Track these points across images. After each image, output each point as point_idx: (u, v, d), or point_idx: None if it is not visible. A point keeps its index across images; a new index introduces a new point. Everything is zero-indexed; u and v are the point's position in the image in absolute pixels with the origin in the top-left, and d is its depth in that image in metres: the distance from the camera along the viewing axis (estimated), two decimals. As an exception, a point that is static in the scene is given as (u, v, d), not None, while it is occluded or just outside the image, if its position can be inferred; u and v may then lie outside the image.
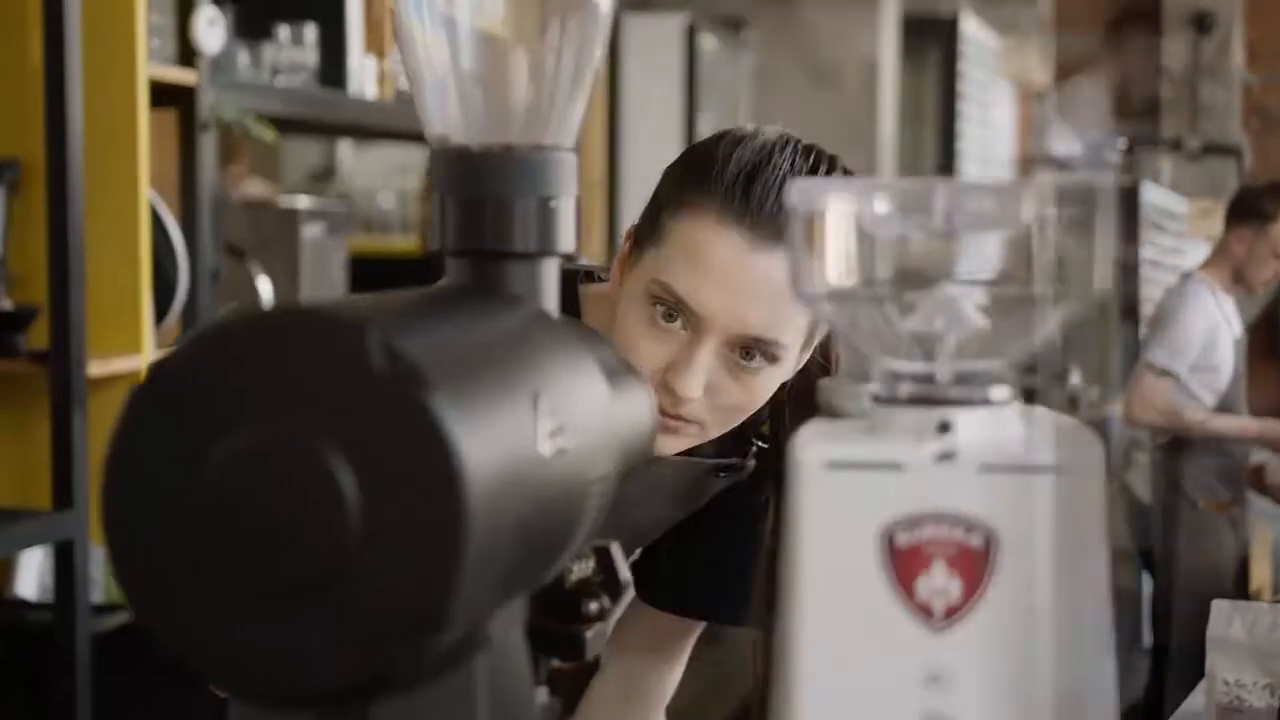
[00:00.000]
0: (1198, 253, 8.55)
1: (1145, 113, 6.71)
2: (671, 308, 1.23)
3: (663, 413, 1.24)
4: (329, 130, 3.42)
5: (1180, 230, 7.87)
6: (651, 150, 4.00)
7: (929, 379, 0.71)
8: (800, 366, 1.32)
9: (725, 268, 1.21)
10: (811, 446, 0.69)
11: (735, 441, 1.36)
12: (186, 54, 2.60)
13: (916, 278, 0.72)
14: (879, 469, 0.68)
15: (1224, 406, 4.25)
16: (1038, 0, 9.67)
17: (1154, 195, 7.19)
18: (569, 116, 0.83)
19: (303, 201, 3.04)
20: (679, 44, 5.37)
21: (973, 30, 7.45)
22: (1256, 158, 9.91)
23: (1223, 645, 1.90)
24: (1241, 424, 4.31)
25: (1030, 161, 7.82)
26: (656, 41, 5.21)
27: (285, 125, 3.07)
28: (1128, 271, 7.02)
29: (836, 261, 0.71)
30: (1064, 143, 5.37)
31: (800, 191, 0.70)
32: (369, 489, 0.60)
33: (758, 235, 1.21)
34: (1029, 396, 0.72)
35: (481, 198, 0.80)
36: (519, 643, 0.74)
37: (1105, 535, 0.68)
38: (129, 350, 2.45)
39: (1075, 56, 10.05)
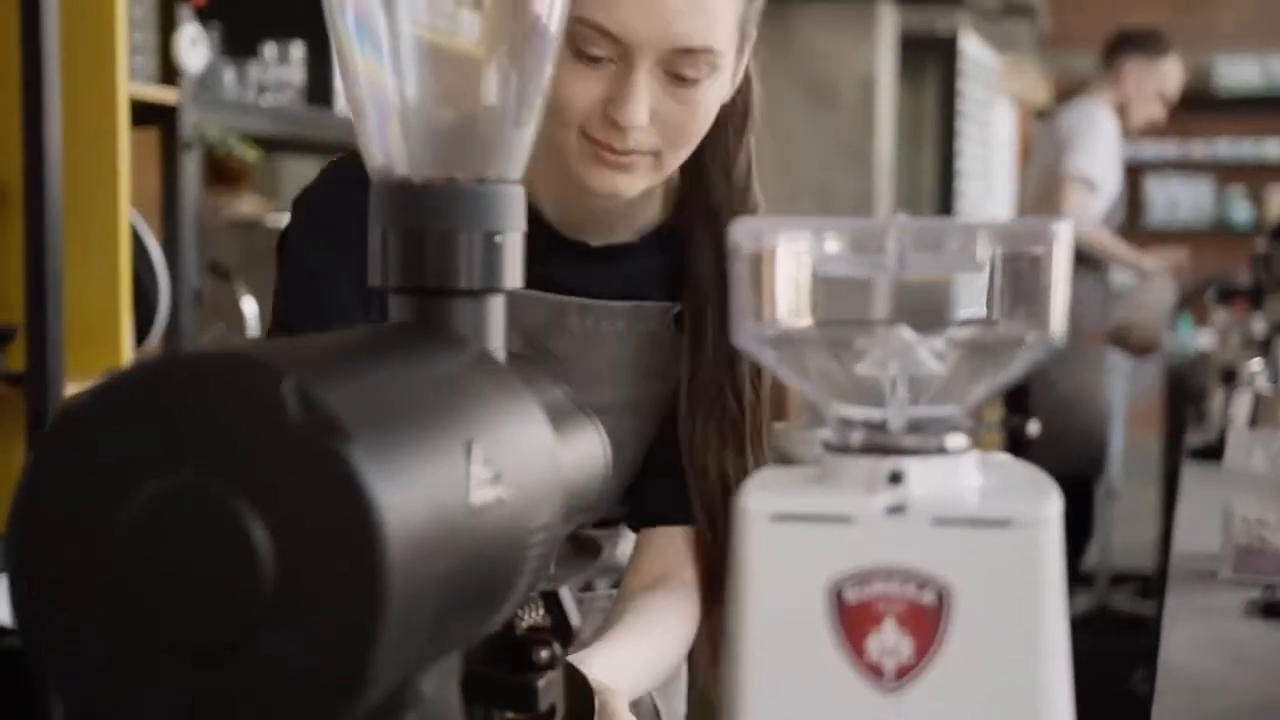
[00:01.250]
0: (1003, 109, 8.57)
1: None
2: (595, 43, 1.19)
3: (613, 150, 1.21)
4: (316, 149, 3.39)
5: (991, 84, 7.91)
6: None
7: (881, 426, 0.68)
8: (740, 76, 1.29)
9: None
10: (758, 496, 0.66)
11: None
12: (169, 72, 2.57)
13: (868, 320, 0.69)
14: (827, 521, 0.65)
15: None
16: (1037, 17, 9.66)
17: (970, 46, 7.21)
18: (515, 147, 0.80)
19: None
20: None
21: (972, 48, 7.43)
22: (1053, 20, 9.89)
23: (1241, 480, 1.77)
24: (1141, 255, 4.57)
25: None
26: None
27: (273, 144, 3.05)
28: (947, 122, 7.13)
29: (784, 303, 0.69)
30: None
31: (745, 231, 0.68)
32: (283, 544, 0.57)
33: None
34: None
35: (424, 232, 0.77)
36: (453, 699, 0.71)
37: (1063, 590, 0.65)
38: (108, 371, 2.42)
39: (1074, 74, 10.05)
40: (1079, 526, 4.46)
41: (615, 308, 1.32)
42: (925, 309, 0.69)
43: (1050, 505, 0.65)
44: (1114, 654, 4.19)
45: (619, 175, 1.23)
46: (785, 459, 0.73)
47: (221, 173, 3.29)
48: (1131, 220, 10.09)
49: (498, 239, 0.78)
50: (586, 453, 0.82)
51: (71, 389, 2.34)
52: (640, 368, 1.32)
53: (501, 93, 0.80)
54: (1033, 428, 4.00)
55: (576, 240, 1.34)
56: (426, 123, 0.78)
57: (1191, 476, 2.74)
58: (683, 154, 1.25)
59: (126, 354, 2.45)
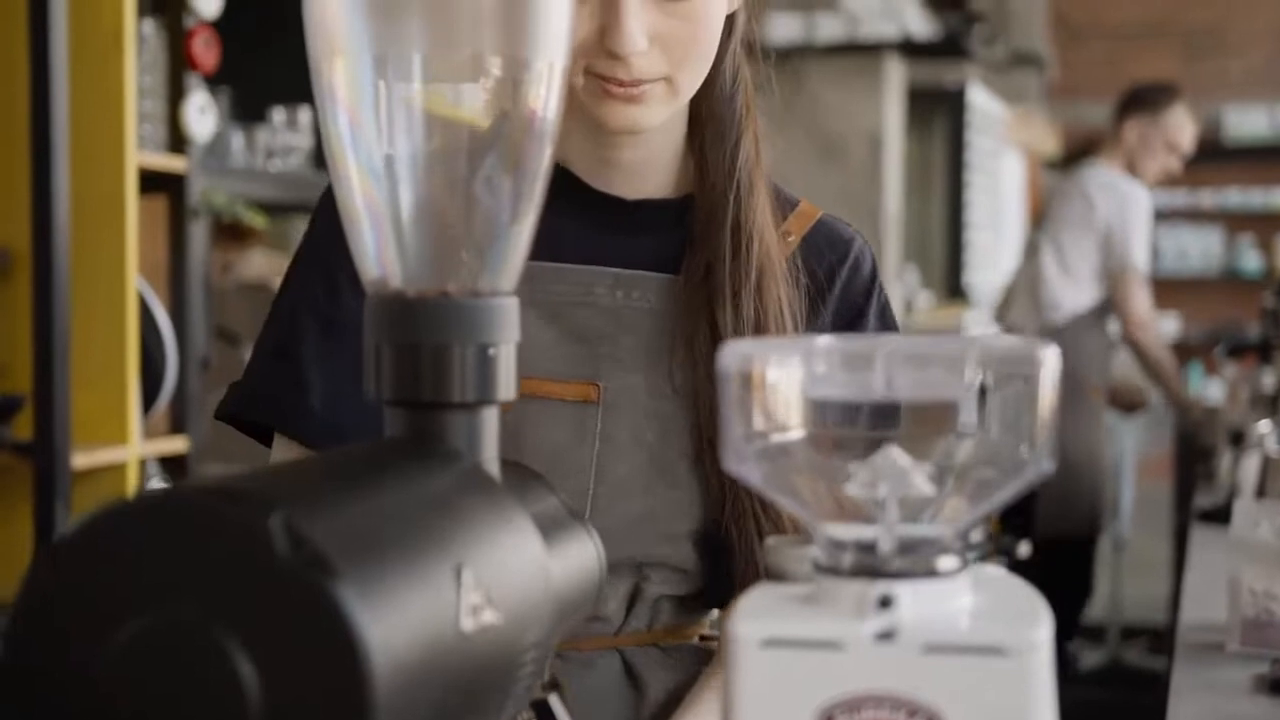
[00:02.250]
0: (1011, 159, 8.61)
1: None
2: None
3: (621, 83, 1.14)
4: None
5: (999, 134, 7.93)
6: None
7: (871, 547, 0.68)
8: None
9: None
10: (749, 621, 0.66)
11: None
12: (178, 140, 2.59)
13: (858, 440, 0.69)
14: (817, 647, 0.65)
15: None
16: (1045, 68, 9.70)
17: (979, 98, 7.22)
18: (509, 260, 0.81)
19: (297, 283, 3.02)
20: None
21: (980, 100, 7.46)
22: (1060, 70, 9.91)
23: (1249, 549, 1.74)
24: (1178, 383, 4.59)
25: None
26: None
27: (281, 208, 3.06)
28: (955, 173, 7.16)
29: (772, 424, 0.69)
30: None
31: (734, 354, 0.68)
32: (270, 680, 0.57)
33: None
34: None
35: (418, 345, 0.78)
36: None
37: (1054, 715, 0.65)
38: (115, 441, 2.43)
39: (1083, 123, 10.08)
40: (1080, 584, 4.45)
41: (647, 279, 1.23)
42: (916, 429, 0.69)
43: (1041, 630, 0.65)
44: (1126, 710, 4.17)
45: (633, 108, 1.15)
46: (776, 574, 0.73)
47: (231, 229, 3.30)
48: (1141, 269, 10.11)
49: (491, 352, 0.78)
50: (579, 561, 0.82)
51: (79, 458, 2.34)
52: (676, 348, 1.23)
53: (496, 200, 0.81)
54: (1023, 549, 4.00)
55: (609, 194, 1.26)
56: (420, 236, 0.79)
57: (1200, 540, 2.73)
58: (695, 73, 1.17)
59: (134, 423, 2.45)
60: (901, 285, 6.07)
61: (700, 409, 1.20)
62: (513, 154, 0.80)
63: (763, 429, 0.69)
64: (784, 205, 1.28)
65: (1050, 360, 0.66)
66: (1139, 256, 4.29)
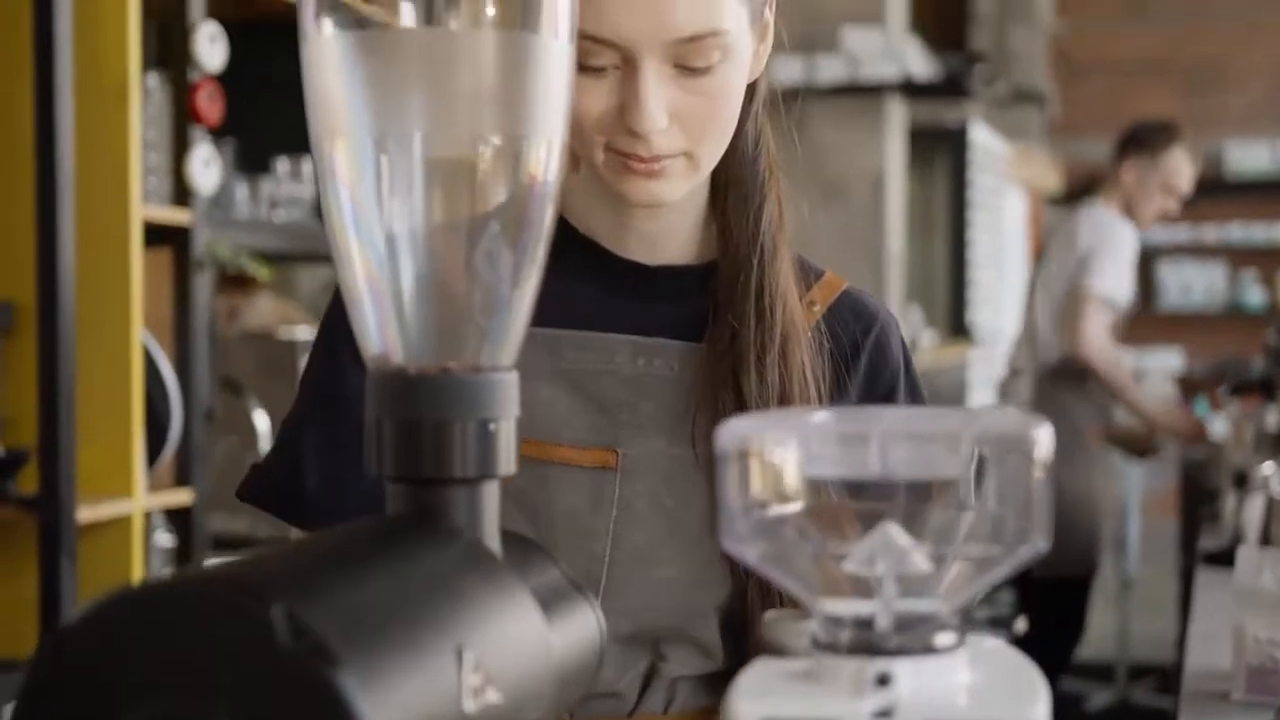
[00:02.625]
0: (1014, 196, 8.62)
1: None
2: (594, 54, 1.11)
3: (641, 159, 1.14)
4: (329, 259, 3.42)
5: (1001, 171, 7.94)
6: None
7: (869, 623, 0.68)
8: (767, 47, 1.22)
9: None
10: (748, 700, 0.67)
11: None
12: (182, 192, 2.60)
13: (855, 516, 0.70)
14: (816, 726, 0.65)
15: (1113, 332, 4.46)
16: (1046, 105, 9.73)
17: (980, 136, 7.24)
18: (509, 334, 0.81)
19: (302, 332, 3.04)
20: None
21: (981, 137, 7.48)
22: (1061, 106, 9.94)
23: (1253, 598, 1.73)
24: (1151, 406, 4.58)
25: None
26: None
27: (285, 257, 3.08)
28: (958, 211, 7.17)
29: (769, 501, 0.69)
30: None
31: (729, 433, 0.68)
32: (273, 769, 0.58)
33: None
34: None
35: (419, 421, 0.78)
36: None
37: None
38: (120, 494, 2.44)
39: (1084, 160, 10.11)
40: (1074, 623, 4.44)
41: (668, 346, 1.22)
42: (913, 505, 0.70)
43: (1039, 707, 0.65)
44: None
45: (654, 183, 1.16)
46: (776, 649, 0.73)
47: (237, 275, 3.32)
48: (1145, 304, 10.13)
49: (492, 427, 0.79)
50: (580, 634, 0.82)
51: (84, 512, 2.35)
52: (699, 416, 1.21)
53: (496, 274, 0.82)
54: (1020, 625, 4.00)
55: (631, 260, 1.26)
56: (421, 313, 0.80)
57: (1205, 583, 2.73)
58: (715, 147, 1.17)
59: (138, 476, 2.45)
60: (905, 325, 6.07)
61: None
62: (513, 227, 0.81)
63: (760, 507, 0.69)
64: (808, 274, 1.28)
65: (1044, 439, 0.66)
66: (1100, 281, 4.26)
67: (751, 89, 1.23)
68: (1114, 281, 4.28)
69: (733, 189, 1.24)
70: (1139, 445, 4.81)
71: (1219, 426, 5.67)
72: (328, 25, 0.77)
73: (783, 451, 0.68)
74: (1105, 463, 4.44)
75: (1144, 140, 4.43)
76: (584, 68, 1.12)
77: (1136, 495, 6.10)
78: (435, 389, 0.78)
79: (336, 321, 1.22)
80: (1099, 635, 6.34)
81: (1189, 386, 9.50)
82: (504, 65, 0.78)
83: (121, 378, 2.42)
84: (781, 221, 1.25)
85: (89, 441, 2.39)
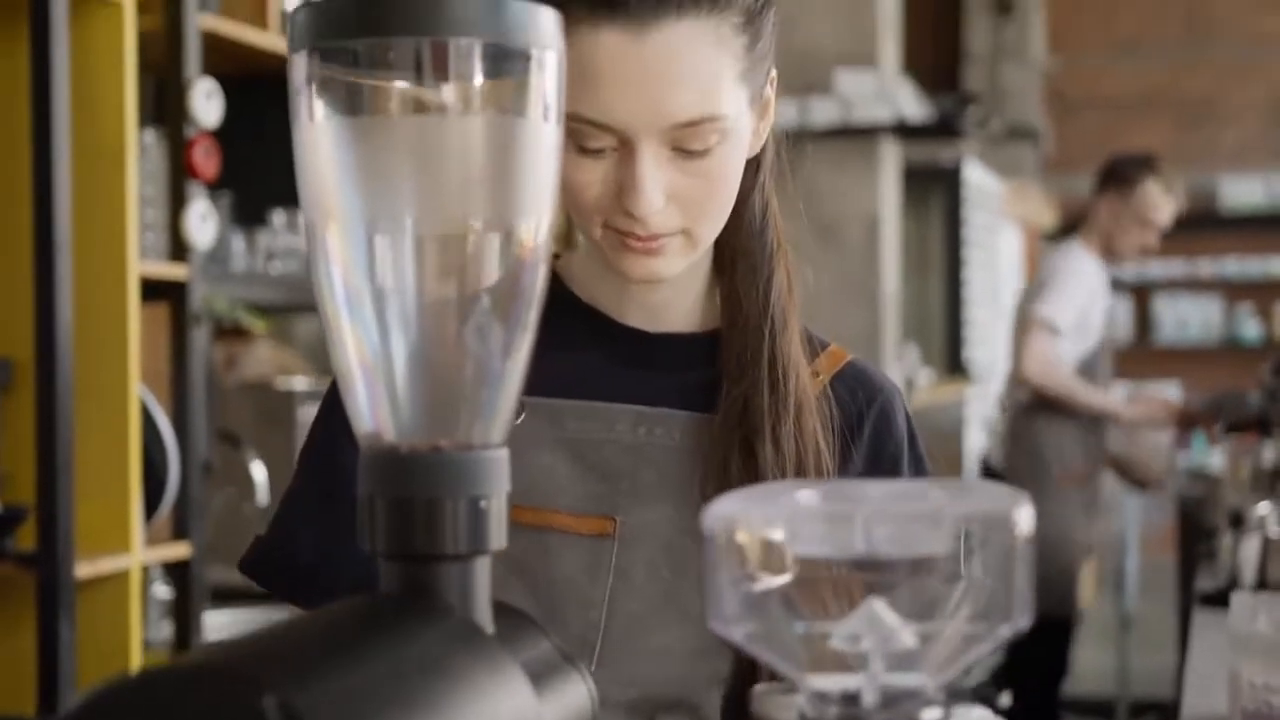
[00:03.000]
0: (1009, 233, 8.64)
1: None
2: (592, 137, 1.12)
3: (639, 238, 1.14)
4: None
5: (996, 209, 7.96)
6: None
7: (855, 699, 0.69)
8: (767, 124, 1.22)
9: (617, 69, 1.10)
10: (736, 777, 0.68)
11: None
12: (179, 247, 2.62)
13: (842, 594, 0.71)
14: (804, 804, 0.66)
15: (1084, 372, 4.35)
16: (1040, 141, 9.77)
17: (974, 174, 7.26)
18: (500, 410, 0.83)
19: (300, 383, 3.05)
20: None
21: (975, 176, 7.51)
22: (1055, 142, 9.98)
23: (1248, 643, 1.72)
24: (1111, 401, 4.45)
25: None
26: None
27: (282, 309, 3.09)
28: (952, 250, 7.17)
29: (756, 579, 0.70)
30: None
31: (716, 514, 0.70)
32: None
33: (639, 18, 1.10)
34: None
35: (411, 499, 0.79)
36: None
37: None
38: (118, 549, 2.44)
39: (1078, 196, 10.16)
40: (1056, 664, 4.40)
41: (671, 416, 1.22)
42: (899, 581, 0.71)
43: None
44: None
45: (652, 260, 1.16)
46: (767, 722, 0.74)
47: (235, 325, 3.33)
48: (1141, 339, 10.16)
49: (483, 504, 0.80)
50: (571, 706, 0.83)
51: (82, 568, 2.35)
52: (706, 485, 1.20)
53: (487, 350, 0.83)
54: (1004, 700, 3.97)
55: (633, 328, 1.26)
56: (412, 391, 0.81)
57: (1202, 625, 2.73)
58: (713, 225, 1.18)
59: (136, 531, 2.46)
60: (901, 365, 6.08)
61: None
62: (503, 305, 0.82)
63: (747, 585, 0.70)
64: (813, 345, 1.28)
65: (1024, 519, 0.67)
66: (1043, 306, 4.24)
67: (756, 162, 1.24)
68: (1057, 307, 4.24)
69: (741, 260, 1.25)
70: (1136, 474, 4.79)
71: (1216, 461, 5.67)
72: (320, 111, 0.78)
73: (769, 531, 0.70)
74: (1082, 501, 4.40)
75: (1118, 174, 4.42)
76: (583, 149, 1.13)
77: (1135, 531, 6.10)
78: (427, 467, 0.79)
79: (336, 400, 1.24)
80: (1099, 672, 6.34)
81: (1185, 422, 9.50)
82: (493, 149, 0.79)
83: (119, 433, 2.43)
84: (790, 292, 1.26)
85: (87, 498, 2.39)
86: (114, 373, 2.43)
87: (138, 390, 2.46)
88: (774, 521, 0.69)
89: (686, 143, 1.13)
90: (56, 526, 2.28)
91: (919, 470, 1.29)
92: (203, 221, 2.60)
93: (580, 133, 1.12)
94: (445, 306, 0.81)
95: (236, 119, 2.76)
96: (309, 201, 0.80)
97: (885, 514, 0.69)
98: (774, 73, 1.21)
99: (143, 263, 2.49)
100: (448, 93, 0.78)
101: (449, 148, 0.78)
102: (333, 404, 1.26)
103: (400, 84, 0.80)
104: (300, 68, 0.78)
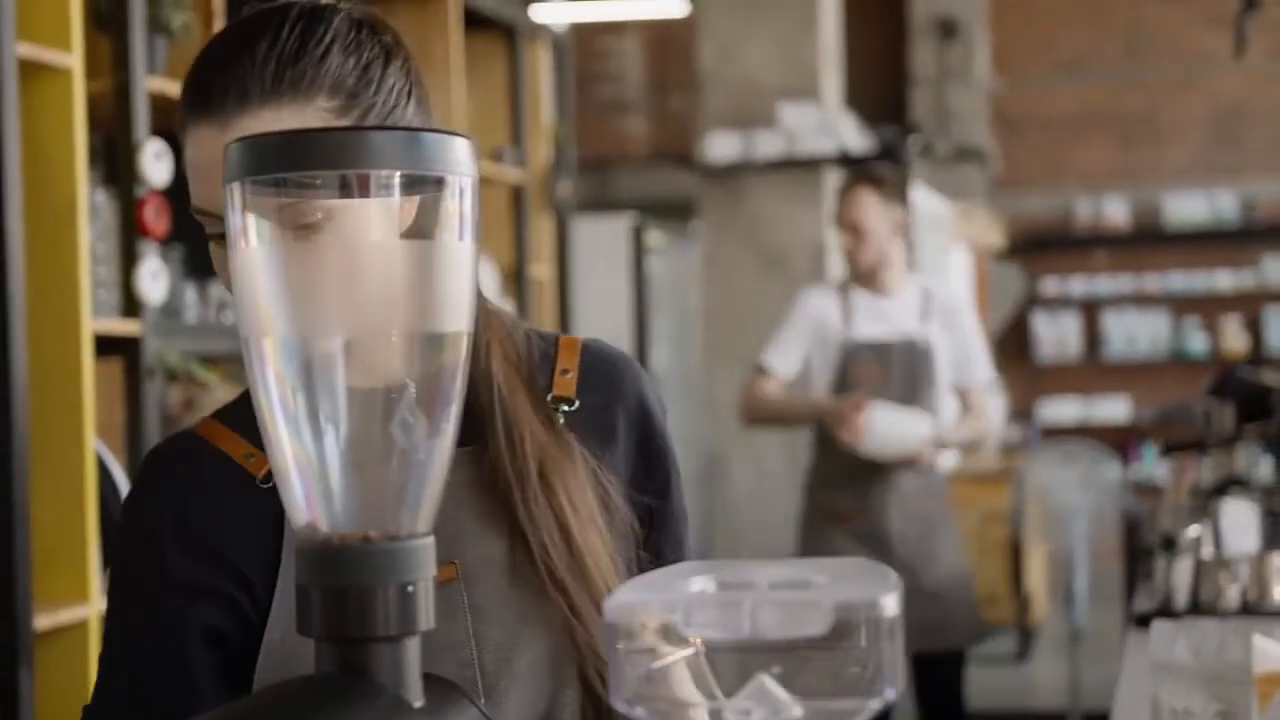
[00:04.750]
0: (960, 254, 8.76)
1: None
2: (212, 224, 1.16)
3: None
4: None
5: (945, 231, 8.08)
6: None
7: (748, 770, 0.77)
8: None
9: (206, 160, 1.15)
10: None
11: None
12: (131, 304, 2.68)
13: (734, 670, 0.78)
14: None
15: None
16: (988, 161, 9.91)
17: (921, 199, 7.38)
18: (425, 499, 0.90)
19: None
20: (627, 241, 5.52)
21: (922, 200, 7.62)
22: (1003, 162, 10.14)
23: (1168, 669, 1.78)
24: (801, 400, 4.13)
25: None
26: (605, 240, 5.37)
27: (235, 357, 3.16)
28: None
29: (651, 663, 0.78)
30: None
31: (616, 606, 0.77)
32: None
33: (223, 111, 1.15)
34: None
35: (345, 587, 0.87)
36: None
37: None
38: (76, 600, 2.50)
39: (1026, 215, 10.29)
40: (955, 703, 4.30)
41: (462, 453, 1.20)
42: (786, 658, 0.78)
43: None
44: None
45: None
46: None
47: (189, 377, 3.38)
48: (1090, 354, 10.31)
49: (410, 589, 0.87)
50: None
51: (40, 620, 2.41)
52: (492, 518, 1.25)
53: (411, 442, 0.90)
54: None
55: None
56: (344, 487, 0.88)
57: (1134, 646, 2.80)
58: None
59: (94, 581, 2.52)
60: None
61: (536, 549, 1.24)
62: (425, 407, 0.90)
63: (646, 667, 0.78)
64: (546, 346, 1.32)
65: (890, 606, 0.75)
66: (766, 351, 4.10)
67: None
68: (772, 350, 4.08)
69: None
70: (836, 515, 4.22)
71: (1162, 473, 5.77)
72: (253, 237, 0.85)
73: (664, 618, 0.77)
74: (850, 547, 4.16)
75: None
76: (213, 238, 1.18)
77: (1083, 547, 6.20)
78: (358, 557, 0.87)
79: (142, 537, 1.24)
80: (1050, 684, 6.44)
81: (1135, 434, 9.66)
82: (413, 267, 0.87)
83: (75, 487, 2.48)
84: (509, 361, 1.27)
85: (45, 550, 2.45)
86: (69, 427, 2.49)
87: (93, 444, 2.52)
88: (670, 610, 0.77)
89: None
90: (15, 579, 2.33)
91: (665, 444, 1.34)
92: (154, 279, 2.66)
93: (205, 224, 1.18)
94: (371, 410, 0.88)
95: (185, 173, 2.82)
96: (245, 316, 0.87)
97: (769, 601, 0.76)
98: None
99: (96, 320, 2.55)
100: (370, 218, 0.85)
101: (373, 267, 0.86)
102: (138, 544, 1.25)
103: (326, 211, 0.88)
104: (236, 197, 0.85)
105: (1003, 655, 6.82)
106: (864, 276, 4.05)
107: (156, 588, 1.23)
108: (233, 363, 3.16)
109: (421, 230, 0.88)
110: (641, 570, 1.26)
